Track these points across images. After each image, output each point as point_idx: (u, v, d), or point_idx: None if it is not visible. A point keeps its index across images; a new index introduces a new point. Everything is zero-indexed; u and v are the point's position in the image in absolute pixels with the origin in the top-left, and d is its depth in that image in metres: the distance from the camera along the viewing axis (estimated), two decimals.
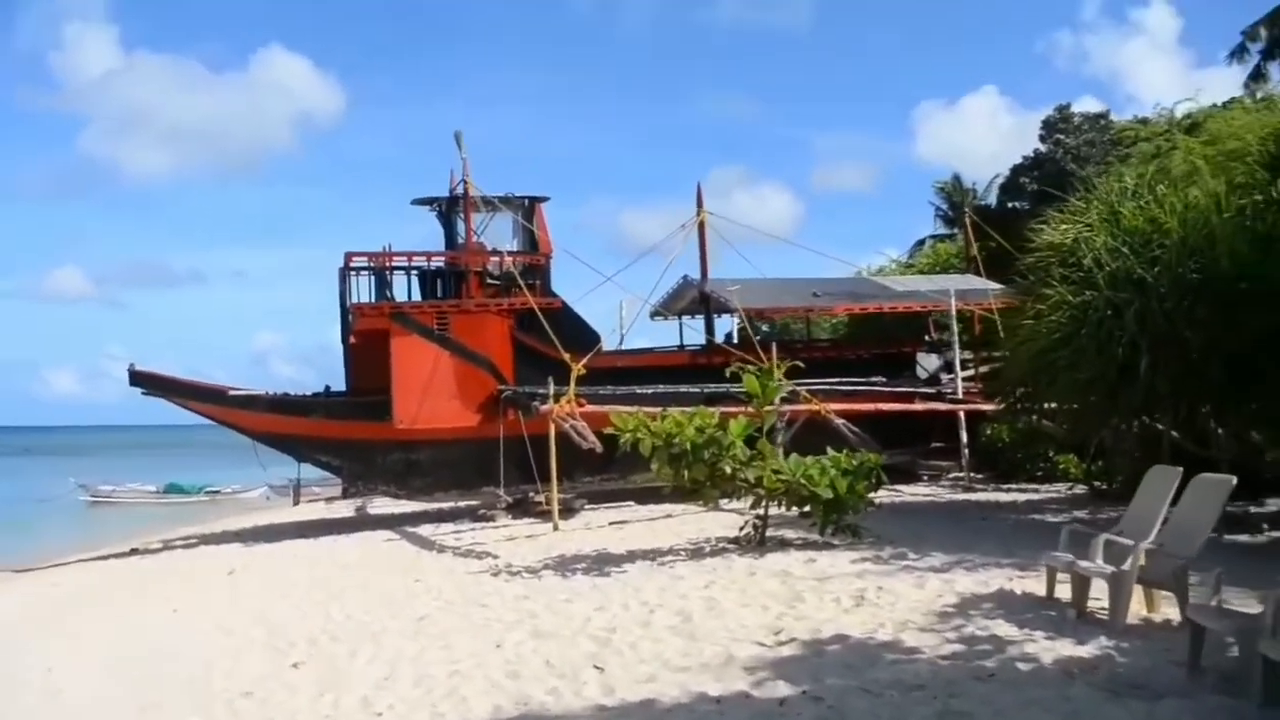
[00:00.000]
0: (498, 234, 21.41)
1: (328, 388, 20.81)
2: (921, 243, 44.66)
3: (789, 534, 12.90)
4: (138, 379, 19.35)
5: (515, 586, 11.57)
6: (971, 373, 22.73)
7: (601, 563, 12.55)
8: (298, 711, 7.50)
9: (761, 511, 12.45)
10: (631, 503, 19.88)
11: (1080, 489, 18.67)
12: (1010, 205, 35.18)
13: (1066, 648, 6.97)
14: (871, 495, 12.33)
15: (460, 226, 20.97)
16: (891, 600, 8.86)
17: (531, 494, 19.33)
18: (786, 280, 23.70)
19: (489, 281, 20.33)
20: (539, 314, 19.41)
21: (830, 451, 12.62)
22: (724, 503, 14.14)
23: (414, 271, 20.58)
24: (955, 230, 43.84)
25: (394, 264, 19.99)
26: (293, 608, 11.85)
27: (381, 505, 24.78)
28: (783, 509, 12.59)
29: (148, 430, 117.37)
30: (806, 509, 12.12)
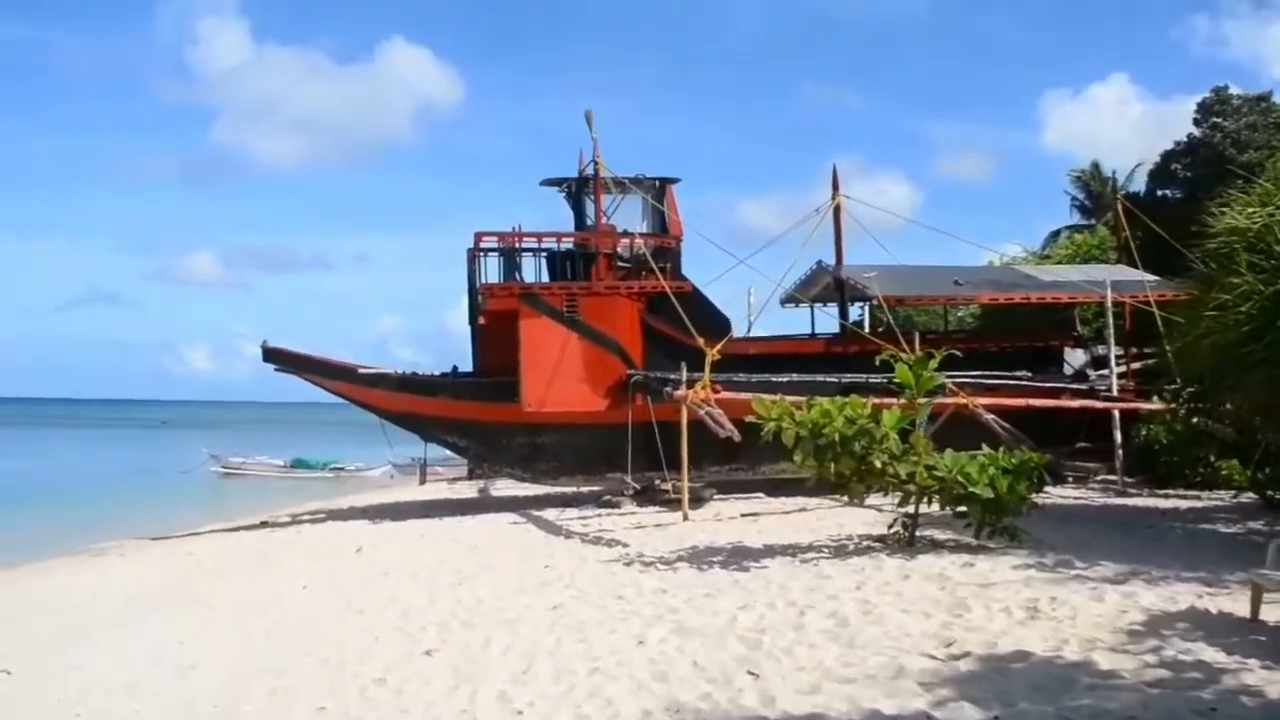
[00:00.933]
0: (627, 216, 20.95)
1: (455, 368, 20.66)
2: (1056, 234, 42.74)
3: (938, 535, 12.12)
4: (270, 355, 19.49)
5: (650, 578, 11.07)
6: (1124, 369, 21.45)
7: (739, 556, 11.97)
8: (433, 703, 7.12)
9: (911, 510, 11.69)
10: (761, 494, 19.27)
11: (1247, 497, 17.33)
12: (1160, 193, 33.30)
13: None
14: (1033, 497, 11.45)
15: (590, 207, 20.56)
16: (1070, 614, 8.07)
17: (658, 482, 18.86)
18: (925, 268, 22.70)
19: (619, 264, 19.89)
20: (670, 297, 18.88)
21: (985, 448, 11.82)
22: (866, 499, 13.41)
23: (543, 253, 20.28)
24: (1093, 221, 41.97)
25: (523, 245, 19.68)
26: (422, 589, 11.57)
27: (504, 488, 24.67)
28: (933, 508, 11.81)
29: (275, 407, 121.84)
30: (961, 509, 11.32)
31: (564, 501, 20.08)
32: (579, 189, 20.71)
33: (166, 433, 79.30)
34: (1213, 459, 19.03)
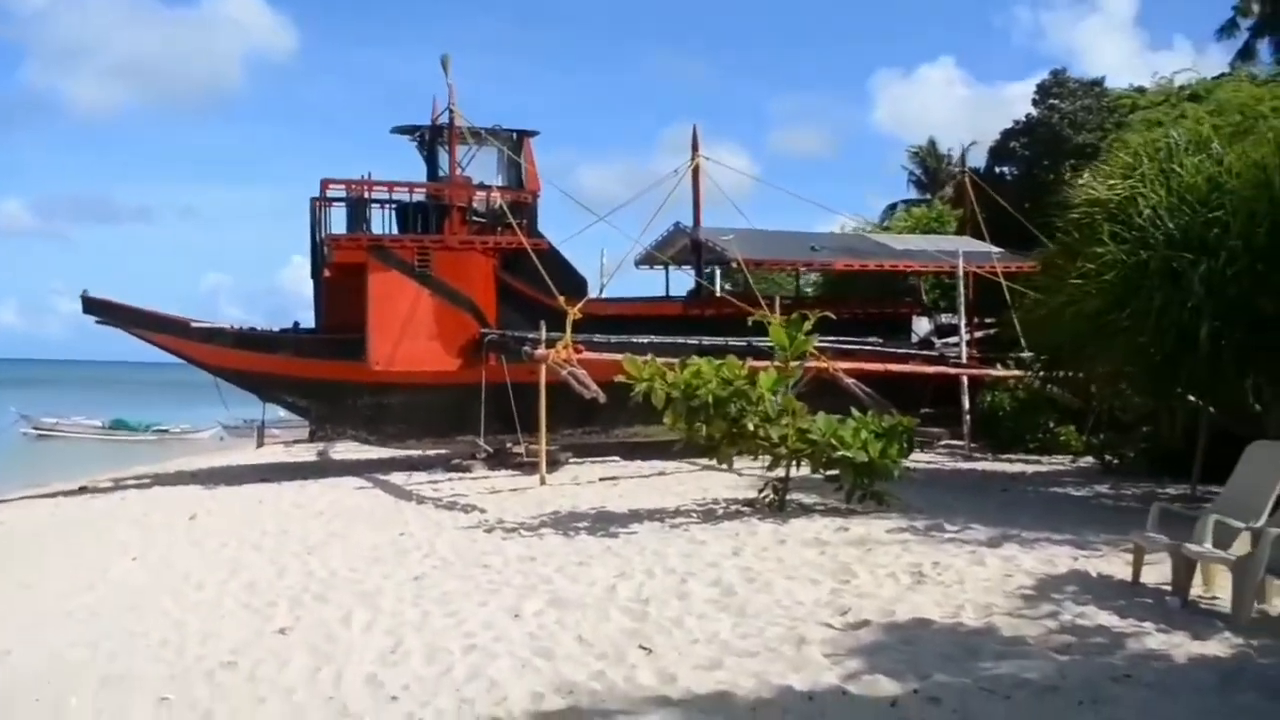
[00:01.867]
0: (482, 168, 20.12)
1: (296, 324, 19.51)
2: (893, 207, 43.75)
3: (806, 499, 11.98)
4: (92, 306, 17.88)
5: (515, 545, 10.52)
6: (968, 337, 21.96)
7: (605, 522, 11.54)
8: (293, 689, 6.41)
9: (781, 474, 11.47)
10: (617, 458, 18.90)
11: (1085, 462, 17.97)
12: (999, 170, 34.38)
13: (1191, 644, 6.06)
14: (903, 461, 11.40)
15: (444, 158, 19.66)
16: (957, 578, 7.94)
17: (510, 445, 18.28)
18: (782, 233, 22.69)
19: (474, 218, 19.09)
20: (529, 254, 18.24)
21: (854, 413, 11.69)
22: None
23: (392, 205, 19.26)
24: (929, 195, 43.18)
25: (373, 194, 18.64)
26: (267, 561, 10.70)
27: (345, 451, 23.58)
28: (802, 471, 11.63)
29: (93, 366, 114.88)
30: (832, 473, 11.16)
31: (410, 465, 19.24)
32: (433, 138, 19.76)
33: None
34: (1052, 425, 19.71)
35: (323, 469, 20.32)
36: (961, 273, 19.36)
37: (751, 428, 10.88)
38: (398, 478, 17.46)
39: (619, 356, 16.35)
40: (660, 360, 11.70)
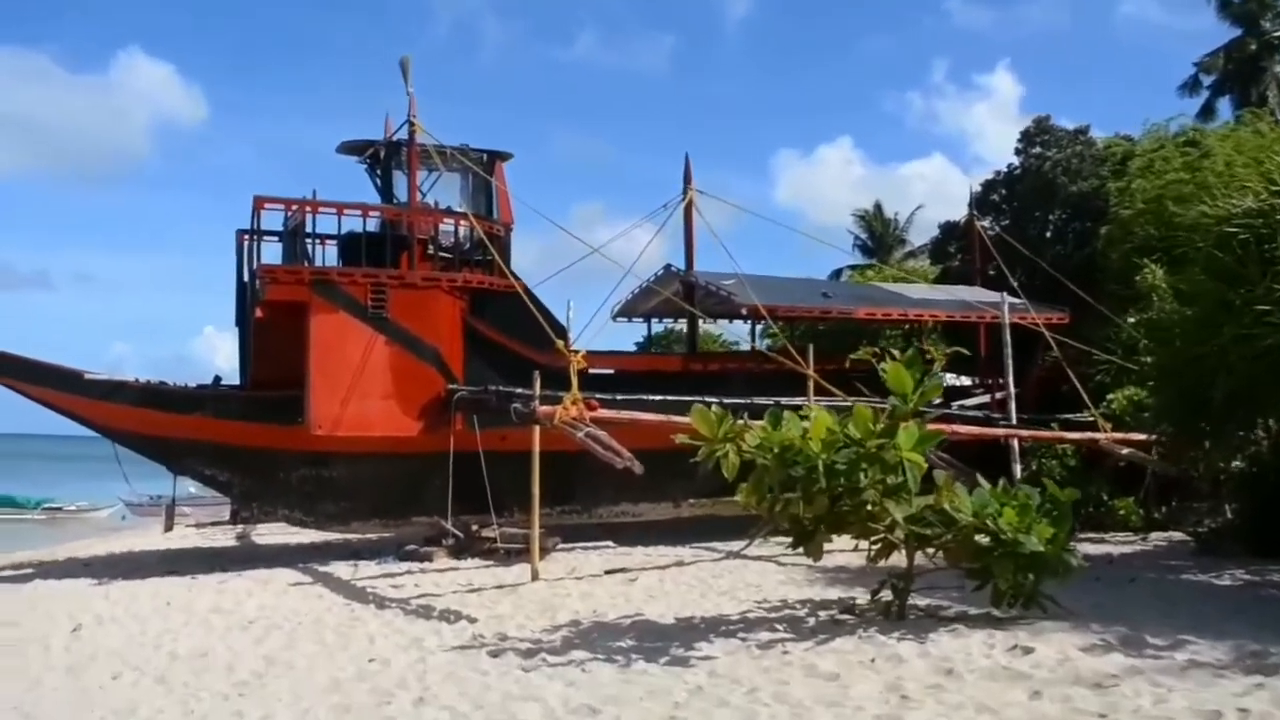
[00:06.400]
0: (446, 195, 17.05)
1: (217, 379, 16.03)
2: (839, 273, 41.61)
3: (918, 599, 8.95)
4: None
5: (548, 680, 7.26)
6: (986, 398, 19.33)
7: (655, 638, 8.37)
8: None
9: (902, 565, 8.42)
10: (609, 542, 15.75)
11: (1156, 538, 15.42)
12: (980, 224, 32.35)
13: None
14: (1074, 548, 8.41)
15: (401, 182, 16.52)
16: None
17: (478, 528, 14.98)
18: (787, 279, 19.93)
19: (439, 253, 15.91)
20: (503, 296, 15.16)
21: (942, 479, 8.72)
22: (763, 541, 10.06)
23: (339, 237, 15.95)
24: (873, 261, 41.22)
25: (319, 220, 15.35)
26: (179, 706, 7.30)
27: (268, 533, 19.95)
28: (931, 561, 8.62)
29: None
30: (977, 566, 8.14)
31: (353, 553, 15.81)
32: (388, 157, 16.59)
33: None
34: (1105, 496, 17.08)
35: (246, 556, 16.69)
36: (1007, 320, 16.66)
37: (871, 505, 7.81)
38: (342, 569, 14.07)
39: (638, 416, 13.57)
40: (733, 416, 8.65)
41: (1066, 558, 7.96)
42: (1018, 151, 32.71)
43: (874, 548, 8.53)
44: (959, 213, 30.63)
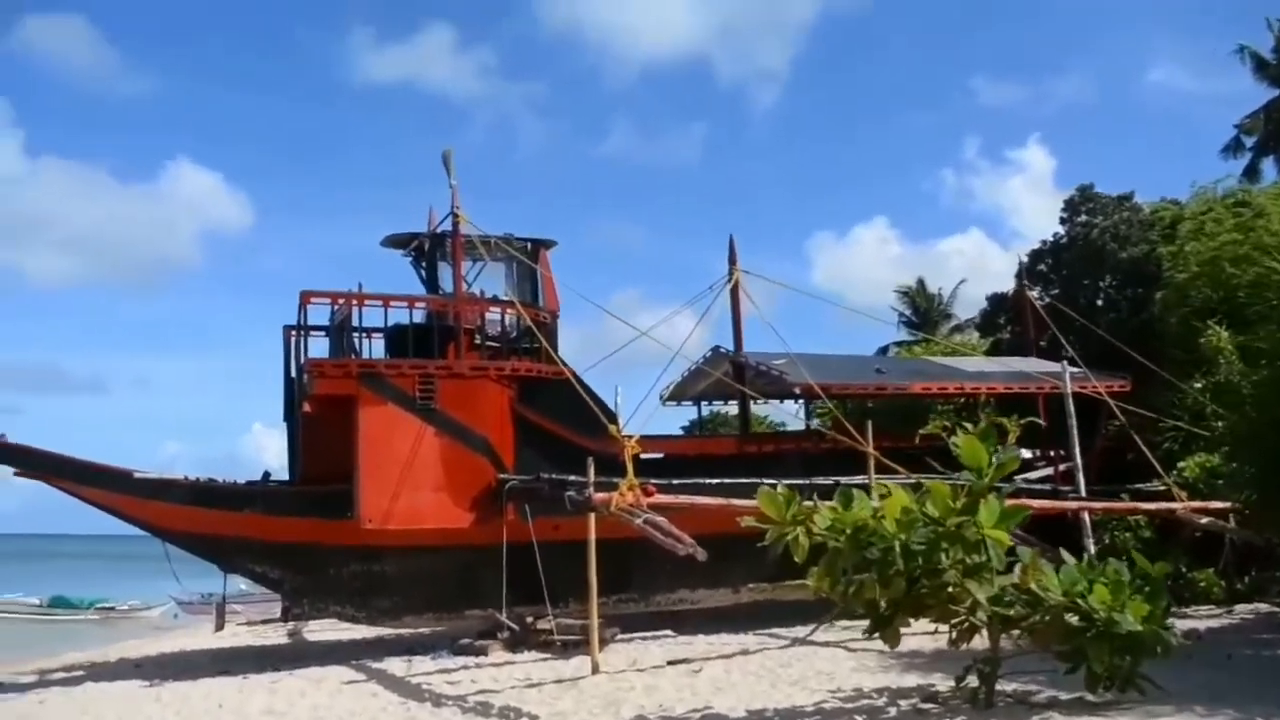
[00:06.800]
0: (490, 285, 16.97)
1: (267, 474, 15.92)
2: (884, 349, 41.29)
3: (1004, 684, 8.45)
4: (9, 455, 14.15)
5: None
6: (1049, 471, 18.75)
7: None
8: None
9: (986, 649, 7.97)
10: (669, 631, 15.29)
11: (1246, 611, 14.74)
12: (1030, 293, 31.97)
13: None
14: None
15: (446, 273, 16.51)
16: None
17: (534, 620, 14.61)
18: (837, 356, 19.63)
19: (486, 342, 15.81)
20: (552, 383, 15.00)
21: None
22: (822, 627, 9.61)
23: (385, 330, 15.94)
24: (921, 335, 40.86)
25: (364, 309, 15.33)
26: None
27: (322, 629, 19.64)
28: (1016, 644, 8.16)
29: (36, 540, 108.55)
30: (1067, 648, 7.67)
31: (406, 648, 15.47)
32: (433, 249, 16.62)
33: None
34: (1184, 568, 16.40)
35: (298, 654, 16.39)
36: (1069, 391, 16.24)
37: (952, 586, 7.40)
38: (395, 665, 13.73)
39: (696, 500, 13.25)
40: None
41: (1165, 636, 7.48)
42: (1063, 220, 32.35)
43: (955, 631, 8.09)
44: (1000, 286, 30.40)
